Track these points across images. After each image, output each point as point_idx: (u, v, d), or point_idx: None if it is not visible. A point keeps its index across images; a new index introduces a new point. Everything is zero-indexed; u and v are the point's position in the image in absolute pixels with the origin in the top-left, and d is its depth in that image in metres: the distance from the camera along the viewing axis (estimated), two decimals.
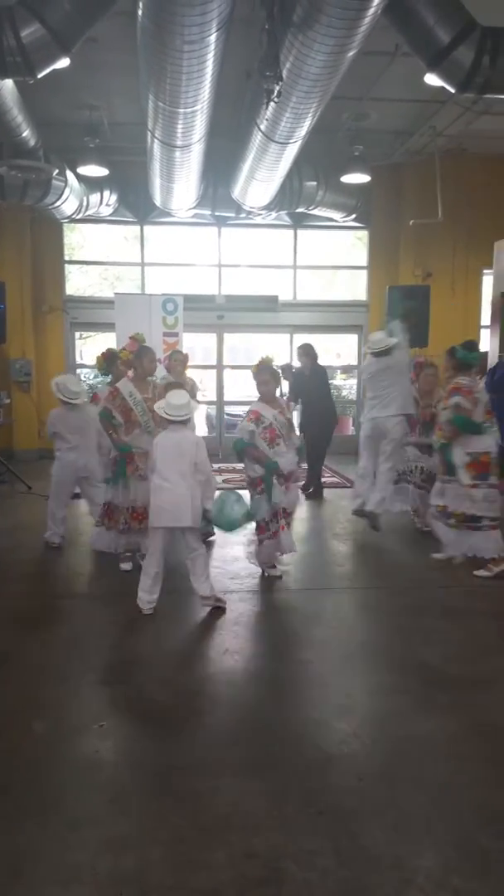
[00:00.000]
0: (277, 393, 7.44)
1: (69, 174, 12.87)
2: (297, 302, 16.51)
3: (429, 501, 7.65)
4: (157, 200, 13.92)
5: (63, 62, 8.06)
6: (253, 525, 6.92)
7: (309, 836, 3.29)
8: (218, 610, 6.28)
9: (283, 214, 15.24)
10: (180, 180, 12.38)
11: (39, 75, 8.02)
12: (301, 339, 14.00)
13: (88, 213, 14.47)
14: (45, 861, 3.14)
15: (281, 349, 16.90)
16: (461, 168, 14.80)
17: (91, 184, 13.83)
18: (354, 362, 17.14)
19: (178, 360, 9.21)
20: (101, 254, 16.81)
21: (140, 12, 7.35)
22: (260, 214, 14.66)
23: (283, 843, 3.24)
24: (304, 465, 7.31)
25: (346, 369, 17.75)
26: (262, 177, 12.15)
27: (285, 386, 10.49)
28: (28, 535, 8.68)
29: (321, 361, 11.36)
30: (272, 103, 8.44)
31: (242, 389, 17.12)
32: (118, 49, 9.88)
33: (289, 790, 3.64)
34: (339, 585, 7.15)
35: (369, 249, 16.64)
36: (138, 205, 15.14)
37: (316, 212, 15.01)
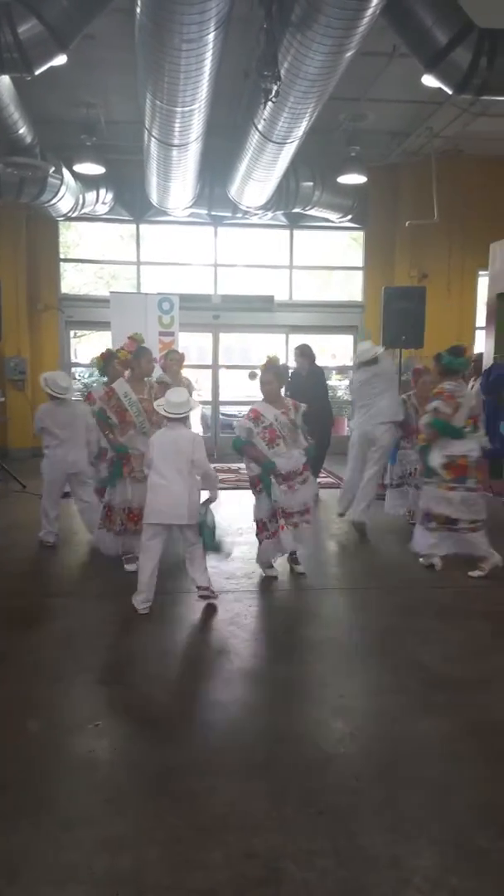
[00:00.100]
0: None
1: (65, 172, 12.85)
2: (293, 302, 16.52)
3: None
4: (154, 199, 13.90)
5: (60, 59, 8.03)
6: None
7: (307, 836, 3.29)
8: (211, 608, 6.31)
9: (279, 214, 15.22)
10: (177, 179, 12.36)
11: (37, 72, 8.00)
12: (297, 339, 14.00)
13: (84, 211, 14.44)
14: (41, 861, 3.12)
15: (277, 349, 16.92)
16: (457, 169, 14.82)
17: (87, 182, 13.79)
18: (350, 363, 17.13)
19: (174, 360, 9.21)
20: (96, 252, 16.77)
21: (138, 10, 7.33)
22: (256, 214, 14.65)
23: (281, 843, 3.23)
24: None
25: (342, 370, 17.74)
26: (258, 176, 12.14)
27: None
28: (22, 533, 8.65)
29: (317, 362, 11.35)
30: (270, 103, 8.45)
31: (238, 389, 17.14)
32: (115, 46, 9.86)
33: (287, 790, 3.63)
34: (334, 585, 7.15)
35: (365, 250, 16.65)
36: (134, 203, 15.10)
37: (312, 212, 15.00)
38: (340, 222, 15.59)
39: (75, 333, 16.88)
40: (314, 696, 4.82)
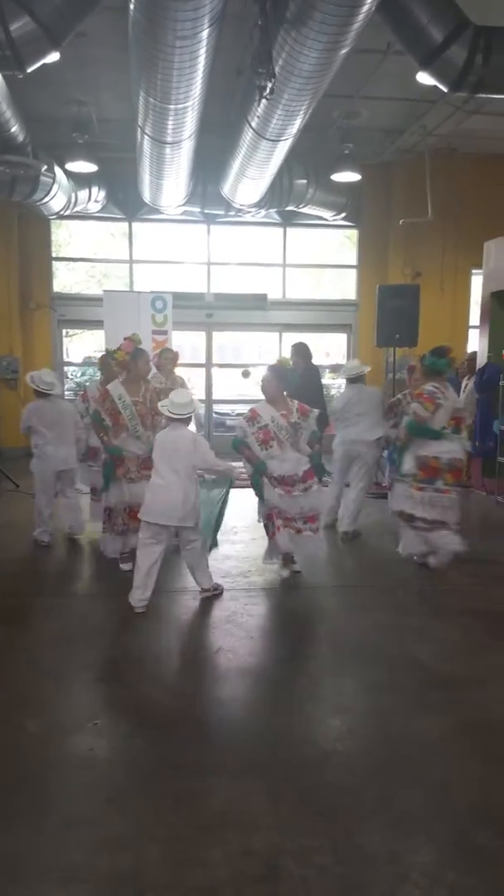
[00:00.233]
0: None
1: (57, 170, 12.82)
2: (286, 300, 16.51)
3: None
4: (147, 197, 13.88)
5: (53, 57, 8.01)
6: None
7: (305, 833, 3.28)
8: (207, 606, 6.32)
9: (272, 212, 15.24)
10: (170, 177, 12.35)
11: (29, 70, 7.97)
12: (290, 337, 14.01)
13: (76, 209, 14.42)
14: (42, 860, 3.12)
15: (270, 348, 16.92)
16: (451, 167, 14.82)
17: (79, 180, 13.77)
18: (343, 361, 17.13)
19: (167, 359, 9.17)
20: (87, 250, 16.73)
21: (132, 7, 7.32)
22: (250, 212, 14.65)
23: (279, 841, 3.22)
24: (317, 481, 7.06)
25: (335, 368, 17.73)
26: (252, 174, 12.14)
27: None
28: (17, 533, 8.63)
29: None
30: (264, 100, 8.42)
31: (231, 388, 17.14)
32: (107, 44, 9.85)
33: (285, 788, 3.63)
34: (329, 584, 7.14)
35: (359, 248, 16.66)
36: (127, 201, 15.09)
37: (306, 210, 15.01)
38: (334, 220, 15.62)
39: (67, 332, 16.83)
40: (312, 694, 4.81)
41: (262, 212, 14.82)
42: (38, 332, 15.79)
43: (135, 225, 16.06)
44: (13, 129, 10.61)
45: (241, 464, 6.93)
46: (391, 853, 3.15)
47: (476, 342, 12.87)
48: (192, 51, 7.66)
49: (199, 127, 10.45)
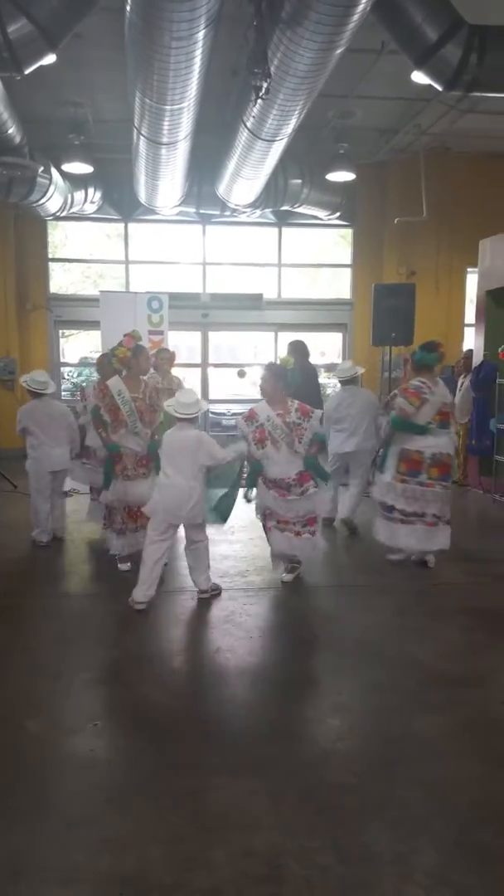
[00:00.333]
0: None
1: (54, 171, 12.81)
2: (281, 300, 16.50)
3: None
4: (142, 198, 13.87)
5: (50, 58, 8.00)
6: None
7: (308, 833, 3.29)
8: (205, 606, 6.34)
9: (267, 212, 15.22)
10: (165, 177, 12.34)
11: (26, 71, 7.96)
12: (286, 337, 14.01)
13: (73, 210, 14.40)
14: (43, 861, 3.12)
15: (266, 348, 16.93)
16: (445, 166, 14.84)
17: (75, 181, 13.75)
18: (339, 361, 17.15)
19: (164, 359, 9.19)
20: (83, 251, 16.71)
21: (128, 8, 7.31)
22: (245, 212, 14.64)
23: (282, 841, 3.23)
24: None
25: (330, 368, 17.73)
26: (247, 174, 12.13)
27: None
28: (15, 533, 8.63)
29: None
30: (259, 101, 8.43)
31: (227, 388, 17.14)
32: (103, 45, 9.83)
33: (286, 788, 3.64)
34: (328, 583, 7.14)
35: (353, 247, 16.66)
36: (122, 202, 15.08)
37: (301, 210, 15.00)
38: (329, 220, 15.61)
39: (63, 333, 16.82)
40: (311, 693, 4.83)
41: (257, 212, 14.81)
42: (34, 333, 15.77)
43: (130, 225, 16.04)
44: (10, 131, 10.60)
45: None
46: (393, 853, 3.16)
47: (472, 340, 12.88)
48: (189, 52, 7.66)
49: (195, 127, 10.44)
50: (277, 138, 10.41)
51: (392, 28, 8.08)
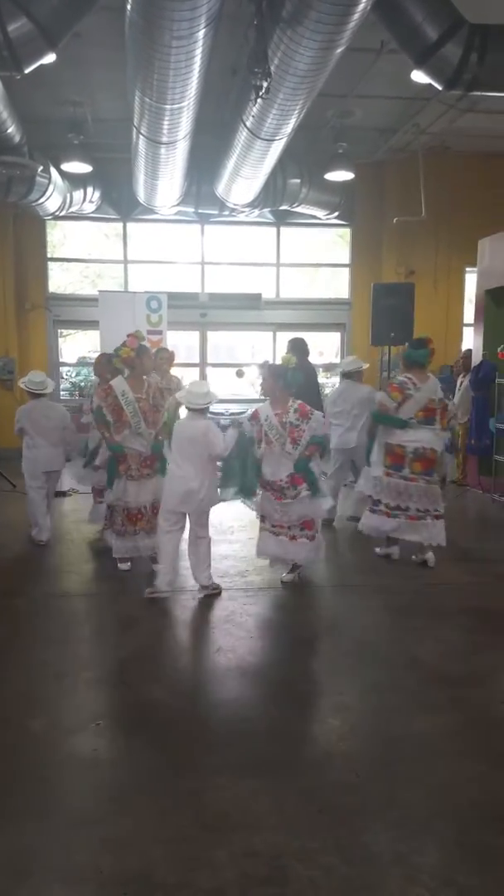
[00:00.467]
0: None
1: (53, 171, 12.79)
2: (280, 300, 16.48)
3: None
4: (141, 197, 13.85)
5: (50, 57, 7.98)
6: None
7: (310, 833, 3.29)
8: (205, 606, 6.35)
9: (266, 212, 15.21)
10: (165, 177, 12.33)
11: (26, 70, 7.95)
12: (284, 336, 13.99)
13: (72, 210, 14.38)
14: (48, 860, 3.12)
15: (264, 347, 16.91)
16: (444, 166, 14.82)
17: (74, 180, 13.72)
18: (337, 360, 17.15)
19: (164, 359, 9.19)
20: (81, 251, 16.69)
21: (129, 7, 7.30)
22: (243, 212, 14.63)
23: (284, 842, 3.23)
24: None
25: (329, 367, 17.71)
26: (246, 174, 12.13)
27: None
28: (14, 533, 8.63)
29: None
30: (259, 100, 8.42)
31: (225, 388, 17.10)
32: (102, 44, 9.82)
33: (287, 787, 3.64)
34: (328, 583, 7.14)
35: (352, 247, 16.64)
36: (121, 202, 15.05)
37: (299, 209, 14.99)
38: (327, 219, 15.60)
39: (61, 333, 16.81)
40: (312, 693, 4.83)
41: (256, 211, 14.79)
42: (33, 333, 15.75)
43: (129, 225, 16.02)
44: (9, 130, 10.59)
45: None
46: (396, 853, 3.16)
47: (470, 340, 12.88)
48: (189, 51, 7.65)
49: (194, 127, 10.43)
50: (277, 138, 10.41)
51: (392, 27, 8.07)
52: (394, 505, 7.33)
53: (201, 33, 7.36)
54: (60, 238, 16.61)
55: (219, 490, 6.59)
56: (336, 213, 15.31)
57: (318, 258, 17.36)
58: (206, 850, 3.17)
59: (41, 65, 8.13)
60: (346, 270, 16.86)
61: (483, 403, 11.12)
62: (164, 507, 6.45)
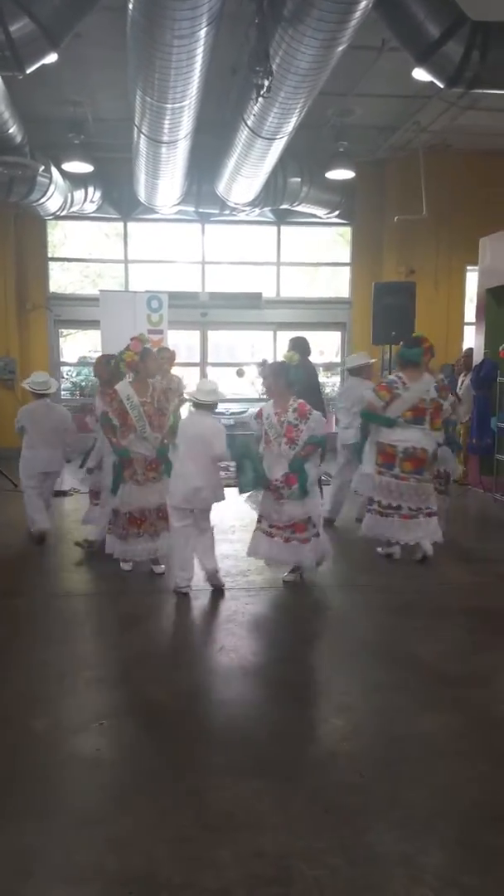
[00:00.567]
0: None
1: (54, 171, 12.79)
2: (280, 299, 16.48)
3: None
4: (142, 197, 13.86)
5: (51, 57, 8.00)
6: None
7: (315, 834, 3.28)
8: (207, 605, 6.38)
9: (266, 211, 15.21)
10: (165, 176, 12.33)
11: (28, 70, 7.95)
12: (285, 336, 13.99)
13: (73, 209, 14.39)
14: (52, 860, 3.12)
15: (265, 346, 16.90)
16: (445, 164, 14.79)
17: (75, 180, 13.73)
18: (337, 360, 17.16)
19: (165, 358, 9.17)
20: (82, 251, 16.69)
21: (130, 6, 7.31)
22: (244, 211, 14.63)
23: (289, 842, 3.22)
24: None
25: (329, 367, 17.71)
26: (247, 173, 12.13)
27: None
28: (16, 532, 8.63)
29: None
30: (260, 99, 8.41)
31: (226, 387, 17.08)
32: (103, 44, 9.82)
33: (291, 787, 3.63)
34: (329, 583, 7.12)
35: (353, 246, 16.63)
36: (122, 201, 15.07)
37: (300, 208, 14.99)
38: (328, 218, 15.60)
39: (61, 332, 16.80)
40: (315, 693, 4.83)
41: (256, 210, 14.80)
42: (34, 333, 15.75)
43: (130, 224, 16.02)
44: (11, 130, 10.59)
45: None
46: (401, 854, 3.15)
47: (472, 339, 12.87)
48: (190, 50, 7.65)
49: (195, 126, 10.43)
50: (278, 136, 10.41)
51: (394, 25, 8.06)
52: (386, 503, 7.39)
53: (203, 32, 7.36)
54: (61, 238, 16.62)
55: (238, 488, 6.64)
56: (337, 212, 15.31)
57: (318, 257, 17.36)
58: (210, 850, 3.16)
59: (42, 65, 8.14)
60: (347, 269, 16.85)
61: (484, 402, 11.10)
62: (171, 504, 6.54)
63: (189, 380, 15.99)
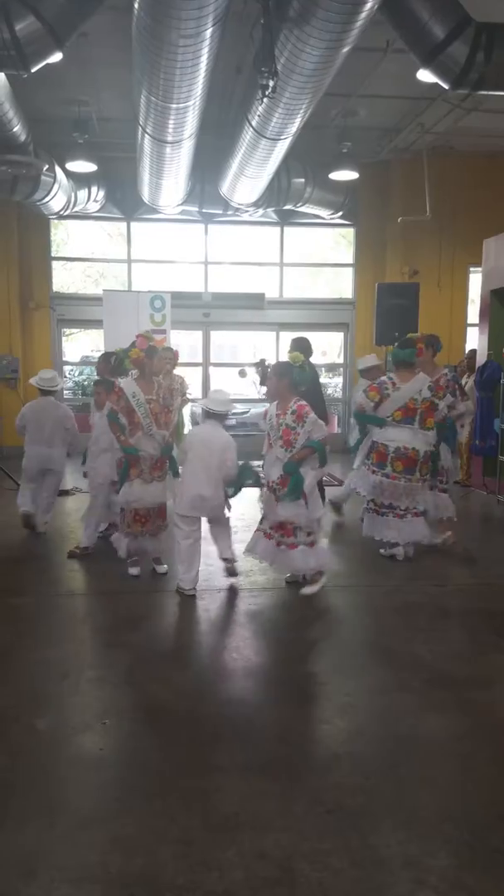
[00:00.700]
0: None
1: (58, 170, 12.82)
2: (283, 300, 16.50)
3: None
4: (146, 196, 13.87)
5: (56, 56, 8.02)
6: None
7: (319, 835, 3.26)
8: (211, 605, 6.37)
9: (269, 211, 15.22)
10: (169, 176, 12.34)
11: (33, 69, 7.98)
12: (287, 336, 13.99)
13: (76, 209, 14.41)
14: (55, 860, 3.10)
15: (267, 347, 16.90)
16: (448, 165, 14.83)
17: (79, 180, 13.77)
18: (340, 360, 17.16)
19: (167, 359, 9.17)
20: (85, 250, 16.71)
21: (136, 6, 7.32)
22: (247, 211, 14.64)
23: (293, 843, 3.20)
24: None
25: (332, 367, 17.72)
26: (251, 173, 12.13)
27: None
28: (19, 532, 8.59)
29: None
30: (265, 99, 8.41)
31: (228, 387, 17.08)
32: (107, 44, 9.85)
33: (295, 788, 3.61)
34: (334, 584, 7.09)
35: (356, 247, 16.66)
36: (126, 201, 15.10)
37: (303, 209, 15.01)
38: (331, 219, 15.61)
39: (64, 332, 16.82)
40: (319, 694, 4.81)
41: (260, 211, 14.81)
42: (37, 332, 15.78)
43: (133, 224, 16.04)
44: (15, 129, 10.61)
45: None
46: (406, 855, 3.13)
47: (475, 340, 12.86)
48: (195, 50, 7.67)
49: (199, 126, 10.44)
50: (282, 137, 10.41)
51: (399, 26, 8.09)
52: (379, 503, 7.49)
53: (208, 32, 7.37)
54: (64, 237, 16.64)
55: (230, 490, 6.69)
56: (340, 213, 15.34)
57: (321, 258, 17.38)
58: (214, 852, 3.15)
59: (47, 64, 8.16)
60: (350, 270, 16.87)
61: (488, 404, 11.09)
62: (177, 511, 6.51)
63: (191, 380, 16.14)
